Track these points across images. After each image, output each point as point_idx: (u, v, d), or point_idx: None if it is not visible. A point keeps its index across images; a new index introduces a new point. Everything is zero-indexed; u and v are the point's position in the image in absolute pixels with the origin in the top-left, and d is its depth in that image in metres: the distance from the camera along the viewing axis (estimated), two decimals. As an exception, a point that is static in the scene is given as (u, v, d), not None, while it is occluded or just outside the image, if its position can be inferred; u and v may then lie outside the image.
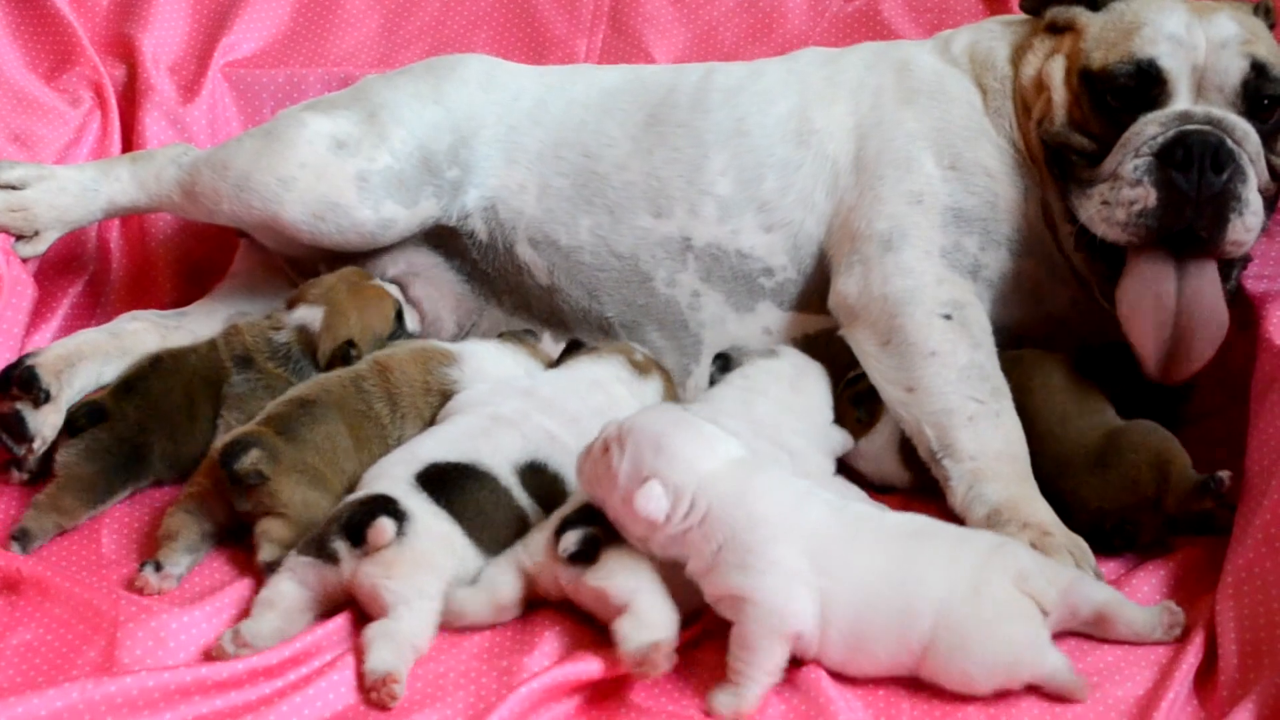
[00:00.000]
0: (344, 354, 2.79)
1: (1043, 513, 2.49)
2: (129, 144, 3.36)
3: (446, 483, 2.42)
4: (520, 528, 2.44)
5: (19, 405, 2.66)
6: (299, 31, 3.60)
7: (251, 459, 2.45)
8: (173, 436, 2.66)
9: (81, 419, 2.65)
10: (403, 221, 2.95)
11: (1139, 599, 2.40)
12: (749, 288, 2.90)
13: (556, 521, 2.33)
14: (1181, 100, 2.61)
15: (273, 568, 2.38)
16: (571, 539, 2.27)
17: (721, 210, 2.90)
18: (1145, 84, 2.62)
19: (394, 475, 2.43)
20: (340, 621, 2.33)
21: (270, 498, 2.46)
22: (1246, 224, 2.56)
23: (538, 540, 2.36)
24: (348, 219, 2.91)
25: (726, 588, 2.19)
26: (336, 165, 2.91)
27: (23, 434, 2.65)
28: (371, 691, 2.20)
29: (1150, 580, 2.46)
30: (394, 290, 2.98)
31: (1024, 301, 2.82)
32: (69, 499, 2.60)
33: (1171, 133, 2.56)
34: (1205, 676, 2.24)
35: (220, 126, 3.45)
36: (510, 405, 2.60)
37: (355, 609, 2.34)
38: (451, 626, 2.31)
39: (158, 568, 2.45)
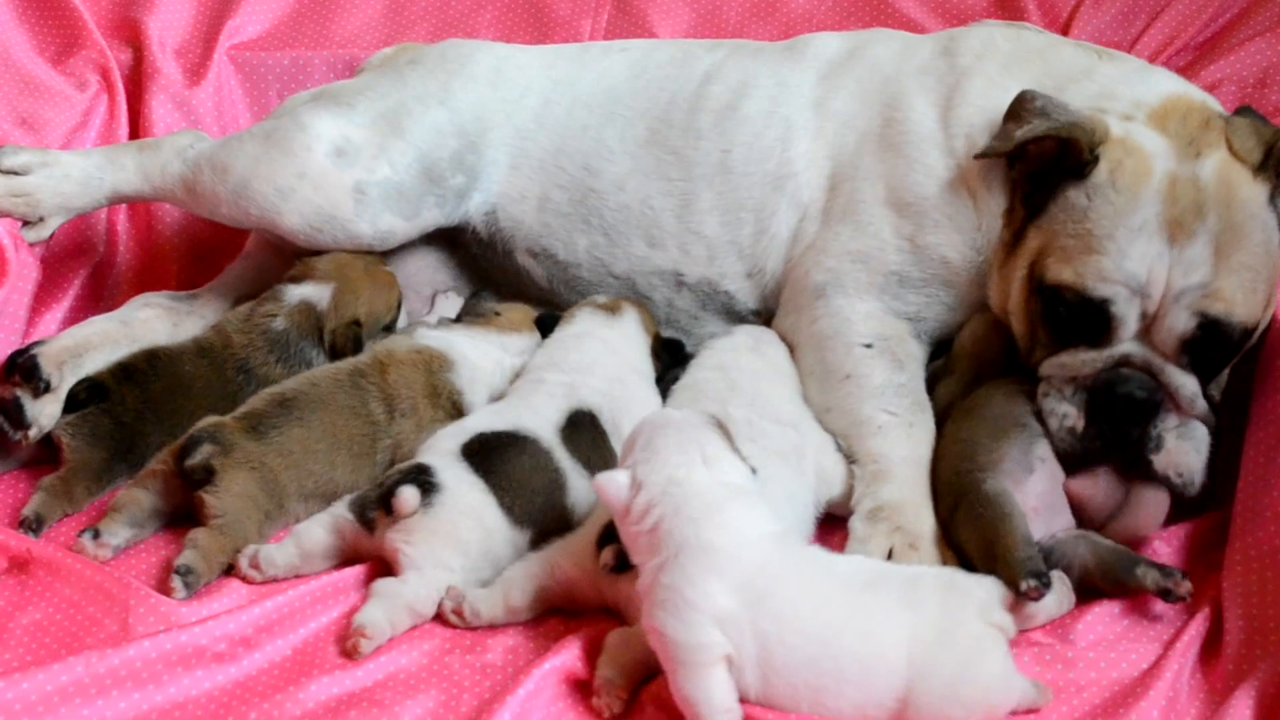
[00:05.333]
0: (351, 334, 2.80)
1: (923, 524, 2.47)
2: (135, 127, 3.37)
3: (489, 452, 2.45)
4: (556, 496, 2.47)
5: (19, 392, 2.67)
6: (304, 14, 3.59)
7: (202, 454, 2.47)
8: (172, 431, 2.65)
9: (82, 393, 2.67)
10: (401, 233, 2.93)
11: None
12: (741, 319, 2.89)
13: (595, 530, 2.32)
14: (1125, 340, 2.45)
15: (184, 571, 2.38)
16: (608, 554, 2.26)
17: (710, 251, 2.87)
18: (1093, 319, 2.46)
19: (442, 448, 2.47)
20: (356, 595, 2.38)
21: (213, 494, 2.46)
22: (1176, 456, 2.42)
23: (576, 544, 2.35)
24: (344, 231, 2.89)
25: (649, 620, 2.08)
26: (335, 175, 2.87)
27: (20, 420, 2.66)
28: (346, 639, 2.27)
29: (1160, 556, 2.46)
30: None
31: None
32: (79, 488, 2.62)
33: (1104, 379, 2.44)
34: (1210, 652, 2.24)
35: (226, 109, 3.45)
36: (538, 374, 2.68)
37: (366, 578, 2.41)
38: (471, 625, 2.32)
39: (95, 535, 2.47)
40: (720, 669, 2.05)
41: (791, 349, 2.76)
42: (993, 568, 2.29)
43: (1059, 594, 2.31)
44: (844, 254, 2.73)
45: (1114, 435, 2.44)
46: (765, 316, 2.86)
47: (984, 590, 2.20)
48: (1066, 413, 2.46)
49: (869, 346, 2.66)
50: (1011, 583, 2.24)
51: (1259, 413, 2.48)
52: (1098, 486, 2.45)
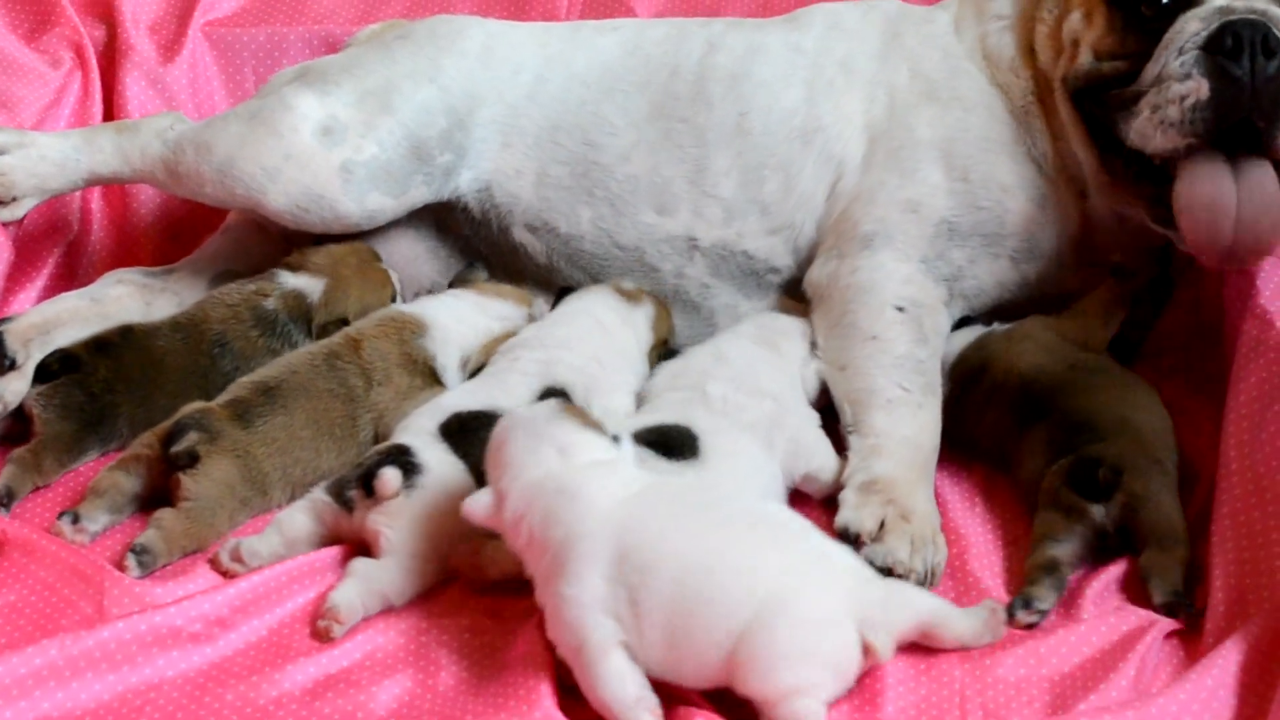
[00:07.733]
0: (338, 330, 2.78)
1: (919, 503, 2.45)
2: (110, 105, 3.35)
3: (466, 432, 2.43)
4: None
5: None
6: (279, -11, 3.58)
7: (189, 440, 2.45)
8: (143, 403, 2.66)
9: (54, 364, 2.66)
10: (390, 211, 2.91)
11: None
12: (758, 282, 2.88)
13: None
14: None
15: (140, 550, 2.37)
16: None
17: (726, 212, 2.86)
18: None
19: (419, 426, 2.46)
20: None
21: (193, 477, 2.44)
22: None
23: None
24: (331, 211, 2.87)
25: (550, 633, 2.05)
26: (322, 155, 2.84)
27: None
28: (318, 619, 2.26)
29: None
30: (395, 279, 2.96)
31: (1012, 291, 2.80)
32: (50, 460, 2.61)
33: (1215, 25, 2.43)
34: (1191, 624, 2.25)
35: (201, 87, 3.43)
36: (515, 352, 2.66)
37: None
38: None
39: (75, 519, 2.46)
40: (617, 656, 2.00)
41: (816, 303, 2.74)
42: (1169, 541, 2.31)
43: (987, 621, 2.19)
44: (893, 203, 2.73)
45: (1249, 73, 2.40)
46: (794, 274, 2.85)
47: (880, 608, 2.07)
48: (1185, 91, 2.44)
49: (901, 310, 2.65)
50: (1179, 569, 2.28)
51: (1238, 381, 2.47)
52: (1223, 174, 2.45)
